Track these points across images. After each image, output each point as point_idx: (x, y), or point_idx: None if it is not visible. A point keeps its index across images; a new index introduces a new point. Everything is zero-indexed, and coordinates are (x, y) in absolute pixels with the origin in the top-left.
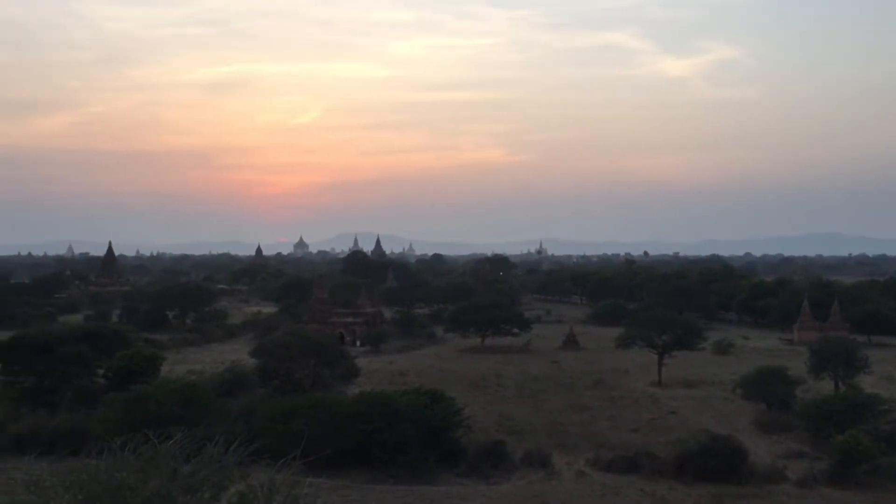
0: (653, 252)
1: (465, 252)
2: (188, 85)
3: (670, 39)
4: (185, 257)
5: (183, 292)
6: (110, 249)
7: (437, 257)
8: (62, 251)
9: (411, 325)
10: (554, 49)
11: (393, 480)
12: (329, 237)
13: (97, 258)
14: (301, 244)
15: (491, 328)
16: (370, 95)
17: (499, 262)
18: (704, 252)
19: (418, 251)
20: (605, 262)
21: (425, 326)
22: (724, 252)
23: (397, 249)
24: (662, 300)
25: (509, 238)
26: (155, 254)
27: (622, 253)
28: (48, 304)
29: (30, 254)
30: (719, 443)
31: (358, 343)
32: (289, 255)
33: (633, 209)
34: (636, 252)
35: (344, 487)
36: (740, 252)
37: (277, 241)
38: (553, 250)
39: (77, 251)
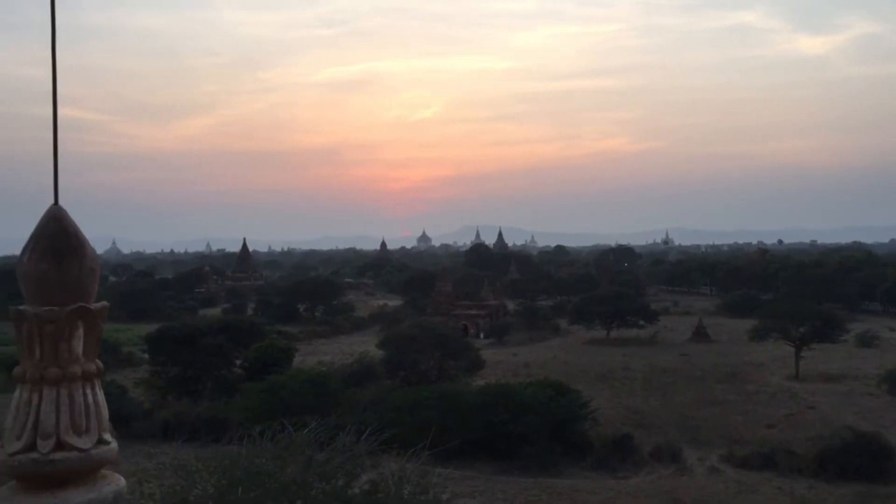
0: (788, 240)
1: (589, 243)
2: (316, 85)
3: (803, 17)
4: (313, 252)
5: (312, 286)
6: (245, 246)
7: (559, 249)
8: (201, 248)
9: (535, 317)
10: (679, 32)
11: (518, 472)
12: (451, 230)
13: (233, 254)
14: (424, 238)
15: (616, 320)
16: (491, 88)
17: (623, 253)
18: (845, 239)
19: (541, 243)
20: (737, 251)
21: (549, 318)
22: (867, 239)
23: (519, 241)
24: (799, 290)
25: (634, 228)
26: (286, 249)
27: (754, 242)
28: (190, 298)
29: (172, 251)
30: (864, 440)
31: (481, 335)
32: (412, 248)
33: (766, 196)
34: (770, 241)
35: (470, 478)
36: (885, 238)
37: (401, 236)
38: (680, 240)
39: (214, 248)
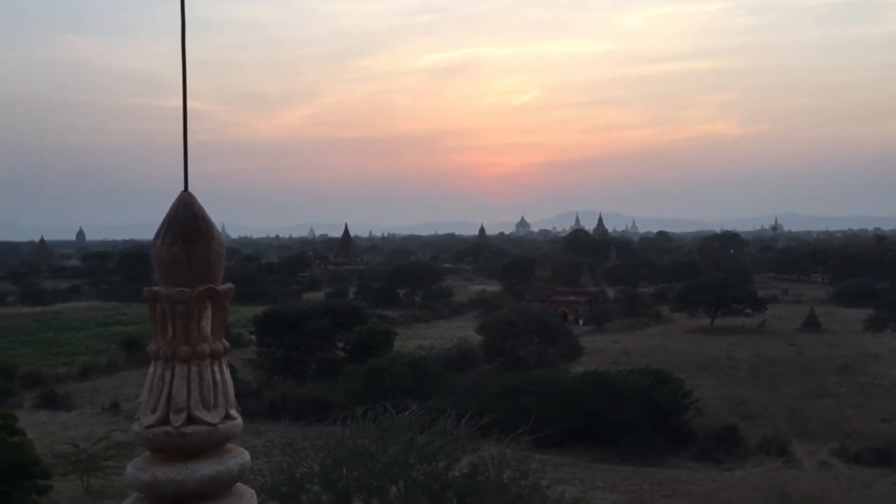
0: None
1: (692, 229)
2: (416, 71)
3: None
4: (412, 238)
5: (412, 271)
6: (346, 231)
7: (661, 235)
8: (305, 233)
9: (635, 304)
10: (787, 10)
11: (619, 460)
12: (550, 216)
13: (335, 239)
14: (523, 223)
15: (721, 308)
16: (590, 72)
17: (729, 239)
18: None
19: (642, 229)
20: (851, 238)
21: (650, 306)
22: None
23: (620, 227)
24: None
25: (740, 214)
26: (386, 235)
27: (871, 228)
28: (294, 281)
29: (277, 236)
30: None
31: (581, 322)
32: (511, 234)
33: (884, 180)
34: (888, 227)
35: (570, 465)
36: None
37: (500, 221)
38: (790, 226)
39: (317, 233)
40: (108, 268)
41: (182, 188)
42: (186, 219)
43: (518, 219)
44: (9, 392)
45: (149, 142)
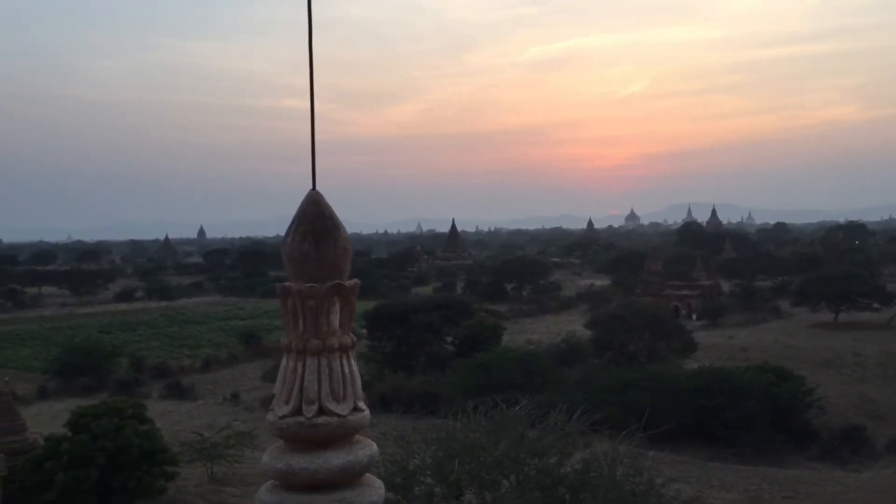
0: None
1: (813, 220)
2: (520, 65)
3: None
4: (520, 232)
5: (519, 265)
6: (453, 226)
7: (779, 226)
8: (412, 228)
9: (752, 298)
10: None
11: (736, 459)
12: (660, 208)
13: (442, 234)
14: (632, 216)
15: (846, 302)
16: (701, 59)
17: (854, 230)
18: None
19: (758, 220)
20: None
21: (768, 300)
22: None
23: (734, 219)
24: None
25: (867, 203)
26: (492, 229)
27: None
28: (402, 276)
29: (385, 231)
30: None
31: (694, 317)
32: (620, 227)
33: None
34: None
35: (683, 463)
36: None
37: (608, 214)
38: None
39: (424, 228)
40: (227, 264)
41: (311, 187)
42: (315, 216)
43: (627, 211)
44: (138, 382)
45: (263, 140)
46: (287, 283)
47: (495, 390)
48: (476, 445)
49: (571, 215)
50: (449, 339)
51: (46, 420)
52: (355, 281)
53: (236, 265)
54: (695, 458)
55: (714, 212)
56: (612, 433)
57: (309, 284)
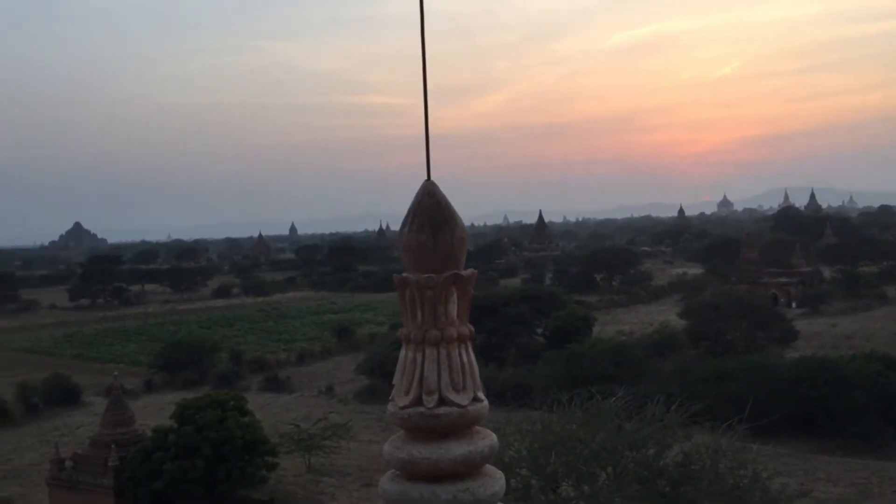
0: None
1: None
2: (606, 52)
3: None
4: (608, 221)
5: (608, 256)
6: (541, 217)
7: (885, 209)
8: (499, 220)
9: (856, 284)
10: None
11: (842, 452)
12: (755, 193)
13: (529, 225)
14: (725, 202)
15: None
16: (799, 36)
17: None
18: None
19: (861, 203)
20: None
21: (873, 286)
22: None
23: (835, 203)
24: None
25: None
26: (580, 219)
27: None
28: (491, 268)
29: (472, 224)
30: None
31: (793, 305)
32: (712, 214)
33: None
34: None
35: (787, 456)
36: None
37: (700, 201)
38: None
39: (511, 220)
40: (318, 260)
41: (425, 178)
42: (431, 207)
43: (720, 198)
44: (238, 376)
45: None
46: (405, 274)
47: (588, 382)
48: (572, 437)
49: (661, 203)
50: (539, 330)
51: (153, 412)
52: (472, 271)
53: (327, 260)
54: (799, 451)
55: (813, 196)
56: (711, 425)
57: (426, 275)
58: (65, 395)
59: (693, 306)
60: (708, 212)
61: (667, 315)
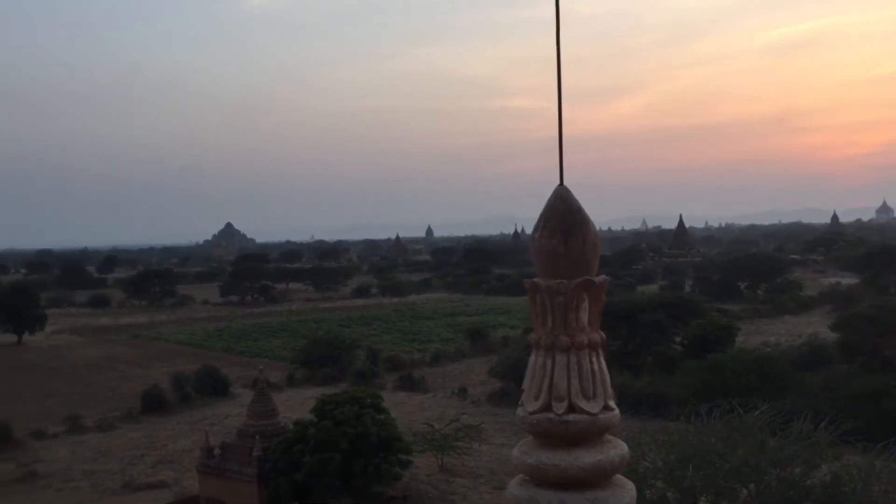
0: None
1: None
2: (753, 51)
3: None
4: (753, 227)
5: (753, 263)
6: (681, 222)
7: None
8: (636, 225)
9: None
10: None
11: None
12: None
13: (669, 231)
14: (884, 209)
15: None
16: None
17: None
18: None
19: None
20: None
21: None
22: None
23: None
24: None
25: None
26: (723, 225)
27: None
28: (627, 274)
29: (609, 228)
30: None
31: None
32: (870, 221)
33: None
34: None
35: None
36: None
37: (855, 207)
38: None
39: (650, 225)
40: (453, 262)
41: (558, 182)
42: (563, 212)
43: (878, 203)
44: (374, 374)
45: (484, 141)
46: (535, 279)
47: (729, 394)
48: (711, 451)
49: (812, 208)
50: (677, 339)
51: (295, 406)
52: (604, 277)
53: (462, 263)
54: None
55: None
56: (865, 445)
57: (558, 280)
58: (214, 386)
59: (847, 318)
60: (865, 218)
61: (817, 327)
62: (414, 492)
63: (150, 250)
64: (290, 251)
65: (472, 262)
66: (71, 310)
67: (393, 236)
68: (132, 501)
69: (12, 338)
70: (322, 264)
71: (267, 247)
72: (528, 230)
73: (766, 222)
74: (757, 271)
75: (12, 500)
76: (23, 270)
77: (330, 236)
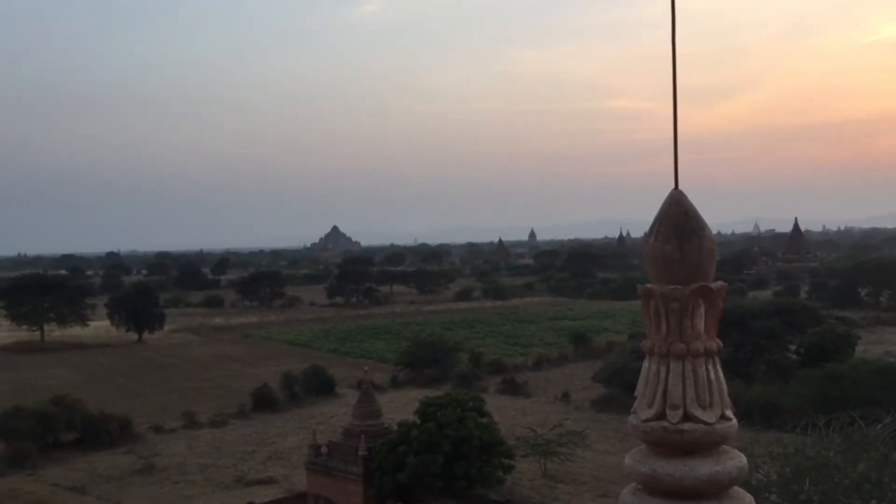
0: None
1: None
2: (876, 45)
3: None
4: (875, 231)
5: (876, 269)
6: (796, 225)
7: None
8: (748, 228)
9: None
10: None
11: None
12: None
13: (783, 234)
14: None
15: None
16: None
17: None
18: None
19: None
20: None
21: None
22: None
23: None
24: None
25: None
26: (842, 228)
27: None
28: (738, 279)
29: (719, 232)
30: None
31: None
32: None
33: None
34: None
35: None
36: None
37: None
38: None
39: (762, 228)
40: (557, 266)
41: (673, 186)
42: (678, 216)
43: None
44: (477, 377)
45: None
46: (650, 285)
47: (848, 405)
48: (830, 464)
49: None
50: (792, 347)
51: (398, 407)
52: (722, 283)
53: (565, 267)
54: None
55: None
56: None
57: (672, 286)
58: (321, 386)
59: None
60: None
61: None
62: (516, 496)
63: (261, 253)
64: (394, 254)
65: (575, 265)
66: (187, 310)
67: (496, 240)
68: (244, 496)
69: (133, 336)
70: (425, 267)
71: (371, 250)
72: (633, 233)
73: (890, 225)
74: (879, 277)
75: (132, 492)
76: (144, 272)
77: (433, 240)
